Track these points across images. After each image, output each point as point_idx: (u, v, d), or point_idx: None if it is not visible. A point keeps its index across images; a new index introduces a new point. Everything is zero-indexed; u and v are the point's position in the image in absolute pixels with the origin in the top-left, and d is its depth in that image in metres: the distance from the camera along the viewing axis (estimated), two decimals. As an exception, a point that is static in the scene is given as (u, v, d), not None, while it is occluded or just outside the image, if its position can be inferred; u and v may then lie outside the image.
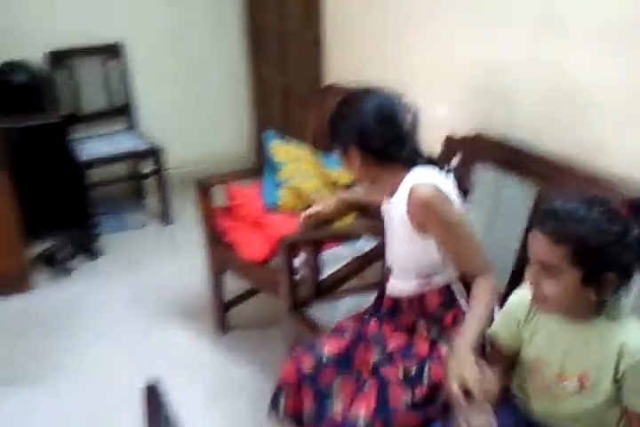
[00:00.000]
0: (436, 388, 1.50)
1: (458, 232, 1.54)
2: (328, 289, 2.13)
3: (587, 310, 1.26)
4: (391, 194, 1.61)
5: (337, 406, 1.53)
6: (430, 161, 1.63)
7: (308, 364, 1.60)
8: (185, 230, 3.48)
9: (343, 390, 1.56)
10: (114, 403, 2.26)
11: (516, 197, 1.92)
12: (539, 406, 1.38)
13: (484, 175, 2.00)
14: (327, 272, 2.17)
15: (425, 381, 1.51)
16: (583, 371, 1.28)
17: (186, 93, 3.93)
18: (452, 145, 2.07)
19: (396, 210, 1.60)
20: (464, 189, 1.68)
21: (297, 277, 2.05)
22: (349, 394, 1.54)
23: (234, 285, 2.70)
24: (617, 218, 1.18)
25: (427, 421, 1.47)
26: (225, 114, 4.11)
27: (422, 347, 1.59)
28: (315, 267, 2.04)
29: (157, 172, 3.51)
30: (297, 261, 2.05)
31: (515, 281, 1.93)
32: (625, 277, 1.21)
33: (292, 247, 1.99)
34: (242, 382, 2.38)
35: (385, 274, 1.76)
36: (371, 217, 2.32)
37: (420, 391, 1.50)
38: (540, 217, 1.24)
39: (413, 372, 1.53)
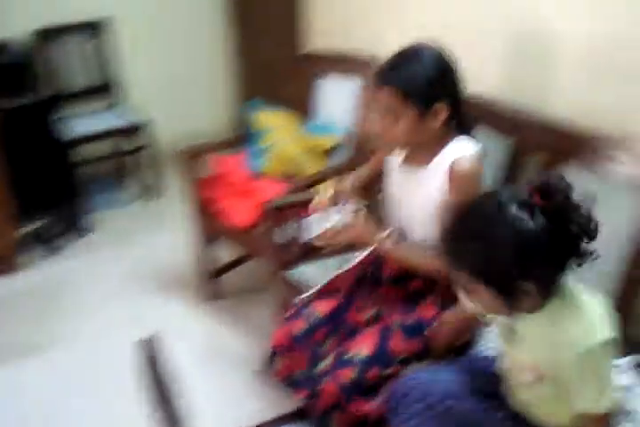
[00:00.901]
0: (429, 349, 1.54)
1: None
2: (314, 251, 2.18)
3: (527, 308, 1.15)
4: (428, 160, 1.52)
5: (327, 364, 1.56)
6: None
7: (299, 326, 1.64)
8: (173, 204, 3.51)
9: (334, 347, 1.59)
10: (109, 369, 2.30)
11: (492, 149, 1.97)
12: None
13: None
14: (313, 235, 2.22)
15: (422, 338, 1.54)
16: (533, 362, 1.19)
17: (171, 68, 3.93)
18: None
19: (430, 177, 1.51)
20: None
21: (283, 239, 2.10)
22: (338, 349, 1.58)
23: (223, 253, 2.76)
24: (511, 222, 1.05)
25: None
26: (210, 87, 4.12)
27: (428, 311, 1.57)
28: (300, 229, 2.08)
29: (144, 147, 3.53)
30: (283, 225, 2.09)
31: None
32: (545, 279, 1.10)
33: (276, 211, 2.02)
34: (232, 347, 2.44)
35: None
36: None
37: (418, 346, 1.53)
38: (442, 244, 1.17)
39: (411, 325, 1.55)
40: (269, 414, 2.08)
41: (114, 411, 2.13)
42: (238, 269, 2.78)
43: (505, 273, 1.07)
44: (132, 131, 3.50)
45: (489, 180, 1.97)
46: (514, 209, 1.06)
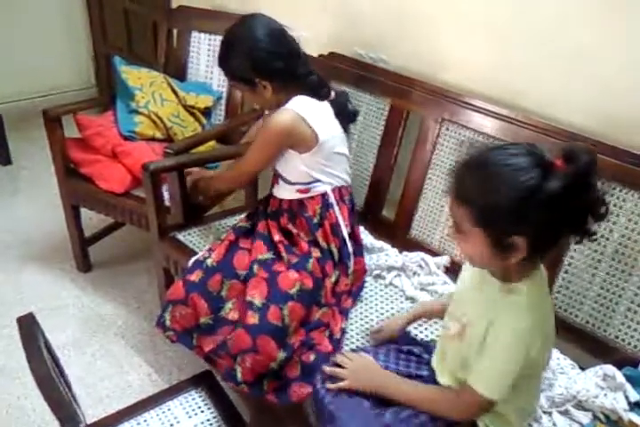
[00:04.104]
0: (318, 281, 1.62)
1: (250, 154, 1.71)
2: (195, 214, 2.13)
3: (505, 271, 1.14)
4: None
5: (231, 308, 1.60)
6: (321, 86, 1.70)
7: (195, 276, 1.64)
8: (28, 169, 3.28)
9: (233, 292, 1.62)
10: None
11: (372, 111, 2.02)
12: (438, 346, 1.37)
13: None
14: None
15: (309, 272, 1.61)
16: (469, 320, 1.20)
17: (15, 20, 3.54)
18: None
19: None
20: (349, 114, 1.77)
21: (164, 204, 2.03)
22: (240, 294, 1.61)
23: (93, 220, 2.62)
24: (533, 167, 1.00)
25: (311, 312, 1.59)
26: (61, 40, 3.78)
27: (303, 245, 1.68)
28: (181, 192, 2.02)
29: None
30: (163, 188, 2.01)
31: (372, 193, 2.05)
32: (540, 241, 1.05)
33: (155, 174, 1.94)
34: (109, 318, 2.36)
35: (273, 178, 1.81)
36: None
37: (307, 281, 1.59)
38: (450, 175, 1.11)
39: (297, 261, 1.63)
40: (160, 381, 2.06)
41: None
42: (110, 236, 2.65)
43: (500, 221, 1.03)
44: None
45: (369, 140, 2.03)
46: (523, 161, 1.01)
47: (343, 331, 1.62)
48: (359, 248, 1.77)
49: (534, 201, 0.99)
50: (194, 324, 1.61)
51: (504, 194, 1.00)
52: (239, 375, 1.50)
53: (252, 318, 1.52)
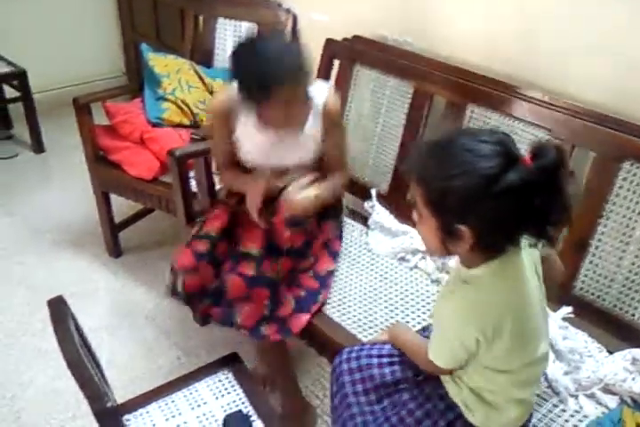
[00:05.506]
0: (308, 241, 1.72)
1: (345, 135, 1.78)
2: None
3: (464, 259, 1.11)
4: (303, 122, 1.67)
5: None
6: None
7: (202, 246, 1.70)
8: (60, 156, 3.34)
9: None
10: (14, 331, 2.24)
11: (396, 94, 2.00)
12: None
13: (365, 75, 2.07)
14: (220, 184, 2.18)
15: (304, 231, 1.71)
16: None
17: (46, 11, 3.59)
18: (332, 47, 2.11)
19: (307, 133, 1.69)
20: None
21: (191, 189, 2.04)
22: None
23: (123, 206, 2.66)
24: (495, 156, 0.95)
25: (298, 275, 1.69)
26: (91, 30, 3.82)
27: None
28: (208, 178, 2.03)
29: (24, 96, 3.26)
30: (190, 174, 2.03)
31: (397, 176, 2.04)
32: (486, 234, 1.00)
33: (182, 160, 1.96)
34: (140, 302, 2.40)
35: None
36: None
37: (299, 239, 1.70)
38: (414, 154, 1.07)
39: (293, 219, 1.69)
40: (188, 364, 2.09)
41: (28, 373, 2.09)
42: (140, 221, 2.70)
43: (450, 207, 0.99)
44: (8, 78, 3.22)
45: (393, 123, 2.02)
46: (487, 149, 0.97)
47: (331, 272, 1.73)
48: None
49: (487, 191, 0.94)
50: (203, 289, 1.68)
51: (458, 179, 0.95)
52: (238, 320, 1.60)
53: (248, 270, 1.62)
